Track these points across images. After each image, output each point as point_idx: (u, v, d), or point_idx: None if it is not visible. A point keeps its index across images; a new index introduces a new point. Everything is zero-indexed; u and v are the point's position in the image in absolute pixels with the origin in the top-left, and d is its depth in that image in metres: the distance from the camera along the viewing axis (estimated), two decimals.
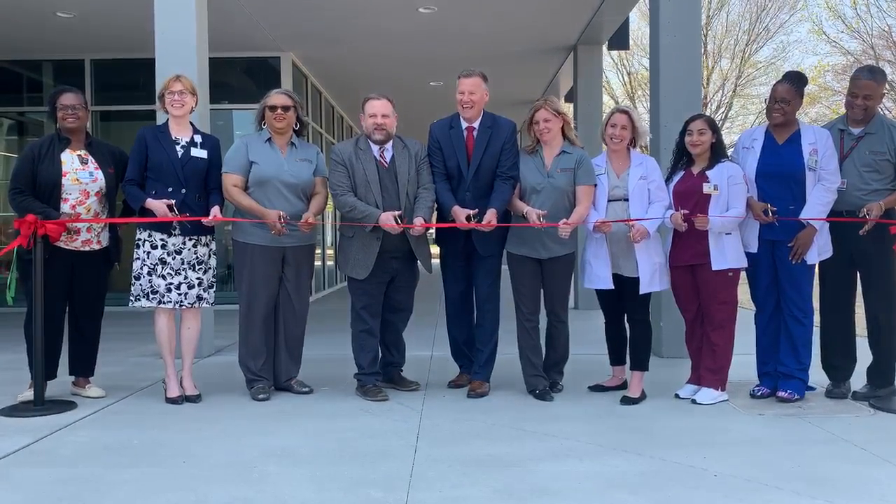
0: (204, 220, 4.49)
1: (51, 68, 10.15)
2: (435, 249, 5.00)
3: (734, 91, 25.98)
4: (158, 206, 4.40)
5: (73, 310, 4.74)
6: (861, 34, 24.14)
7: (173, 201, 4.43)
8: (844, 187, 4.39)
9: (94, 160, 4.62)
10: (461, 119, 4.75)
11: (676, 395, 4.64)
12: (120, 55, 9.51)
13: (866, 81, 4.40)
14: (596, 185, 4.57)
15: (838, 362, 4.64)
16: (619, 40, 9.94)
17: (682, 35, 5.95)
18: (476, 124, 4.72)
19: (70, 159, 4.55)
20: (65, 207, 4.50)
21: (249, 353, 4.72)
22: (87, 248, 4.61)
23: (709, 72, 24.92)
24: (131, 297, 4.56)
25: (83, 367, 4.83)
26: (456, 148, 4.71)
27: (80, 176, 4.52)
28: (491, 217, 4.50)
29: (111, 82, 9.91)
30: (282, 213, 4.49)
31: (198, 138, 4.65)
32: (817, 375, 4.75)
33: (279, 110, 4.60)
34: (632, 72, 26.10)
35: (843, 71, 24.89)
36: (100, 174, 4.60)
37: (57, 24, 8.41)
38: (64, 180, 4.49)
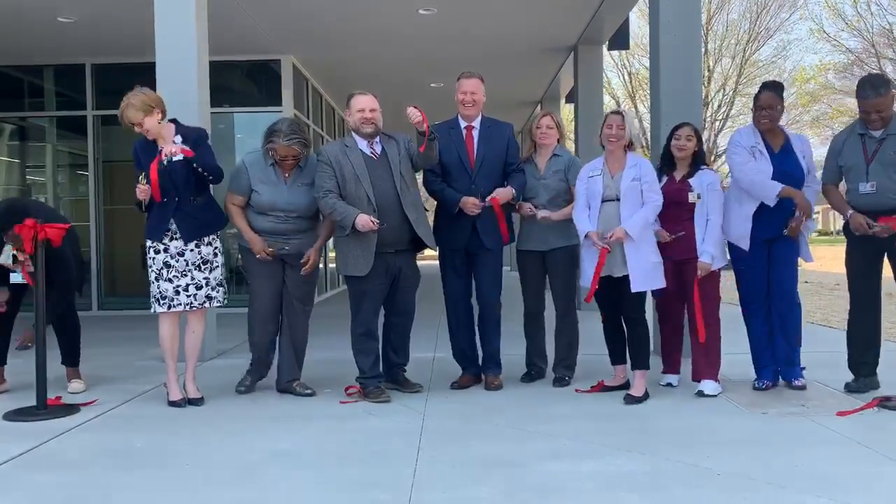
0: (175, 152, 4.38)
1: (52, 73, 10.17)
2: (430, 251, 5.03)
3: (735, 90, 25.97)
4: (139, 189, 4.41)
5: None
6: (862, 32, 24.14)
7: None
8: (875, 190, 4.43)
9: (29, 259, 4.57)
10: (460, 119, 4.89)
11: (669, 384, 4.87)
12: (121, 59, 9.52)
13: (874, 100, 4.38)
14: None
15: (868, 358, 4.67)
16: (620, 40, 9.94)
17: (683, 34, 5.95)
18: (475, 123, 4.88)
19: (6, 254, 4.56)
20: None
21: (251, 349, 4.96)
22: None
23: (710, 71, 24.93)
24: (151, 303, 4.61)
25: (64, 357, 5.11)
26: (456, 146, 4.82)
27: None
28: (507, 192, 4.69)
29: (112, 87, 9.92)
30: (267, 248, 4.66)
31: (177, 140, 4.56)
32: (817, 372, 4.75)
33: (290, 160, 4.66)
34: (632, 72, 26.15)
35: (844, 69, 24.87)
36: None
37: (58, 29, 8.43)
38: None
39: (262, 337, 4.90)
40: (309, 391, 4.80)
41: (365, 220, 4.41)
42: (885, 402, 4.29)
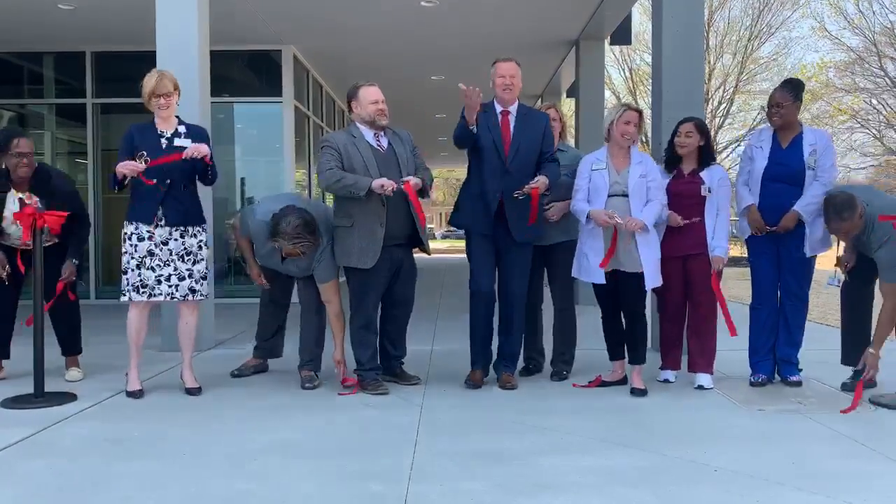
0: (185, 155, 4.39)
1: (52, 60, 10.13)
2: (438, 245, 5.01)
3: (736, 87, 25.94)
4: (128, 165, 4.35)
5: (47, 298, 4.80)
6: (863, 31, 24.12)
7: (144, 157, 4.39)
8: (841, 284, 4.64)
9: (37, 199, 4.66)
10: (496, 103, 4.74)
11: (666, 380, 4.87)
12: (121, 48, 9.49)
13: (837, 225, 4.32)
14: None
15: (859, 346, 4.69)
16: (622, 35, 9.93)
17: (685, 31, 5.94)
18: (512, 109, 4.71)
19: (11, 200, 4.66)
20: (16, 242, 4.74)
21: (256, 332, 5.27)
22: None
23: (711, 68, 24.89)
24: (122, 291, 4.51)
25: (66, 347, 5.08)
26: (491, 130, 4.65)
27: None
28: (545, 181, 4.50)
29: (112, 75, 9.89)
30: (262, 280, 4.98)
31: (182, 129, 4.58)
32: (814, 370, 4.75)
33: (296, 255, 4.60)
34: (633, 67, 26.10)
35: (845, 68, 24.85)
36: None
37: (58, 16, 8.39)
38: (3, 225, 4.68)
39: (266, 318, 5.16)
40: (309, 386, 4.77)
41: (386, 181, 4.34)
42: (877, 398, 4.32)
